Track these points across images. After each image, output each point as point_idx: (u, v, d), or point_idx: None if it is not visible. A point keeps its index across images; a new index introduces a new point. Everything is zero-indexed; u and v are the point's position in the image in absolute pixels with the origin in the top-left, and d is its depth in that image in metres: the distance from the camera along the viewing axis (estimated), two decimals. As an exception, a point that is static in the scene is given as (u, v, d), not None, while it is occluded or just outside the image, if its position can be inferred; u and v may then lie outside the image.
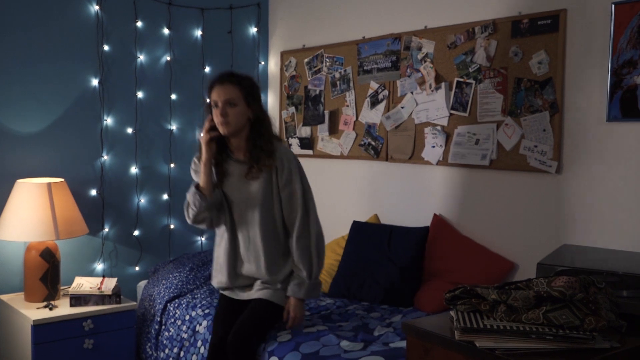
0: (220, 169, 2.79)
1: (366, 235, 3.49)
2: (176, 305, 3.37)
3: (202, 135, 2.74)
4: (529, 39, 2.97)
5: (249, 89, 2.72)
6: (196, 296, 3.41)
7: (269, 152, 2.72)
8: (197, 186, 2.75)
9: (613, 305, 1.85)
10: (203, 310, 3.18)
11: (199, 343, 3.04)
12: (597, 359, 1.69)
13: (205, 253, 3.97)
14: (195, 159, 2.85)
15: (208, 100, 2.76)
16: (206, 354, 2.86)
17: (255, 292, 2.84)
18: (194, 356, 3.05)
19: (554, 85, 2.88)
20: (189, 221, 2.83)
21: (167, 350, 3.26)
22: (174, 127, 4.10)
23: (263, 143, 2.72)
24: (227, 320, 2.81)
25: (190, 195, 2.75)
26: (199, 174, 2.77)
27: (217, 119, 2.67)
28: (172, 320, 3.32)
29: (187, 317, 3.21)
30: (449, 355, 1.82)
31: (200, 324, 3.10)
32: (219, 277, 2.93)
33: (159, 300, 3.49)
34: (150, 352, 3.44)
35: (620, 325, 1.82)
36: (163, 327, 3.38)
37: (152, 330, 3.45)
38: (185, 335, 3.16)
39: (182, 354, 3.14)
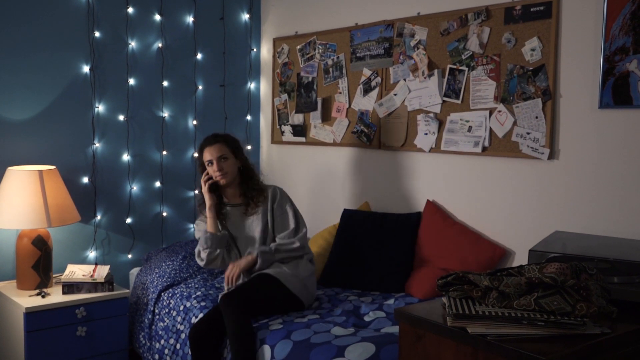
0: (221, 215, 3.23)
1: (357, 223, 3.48)
2: (170, 294, 3.36)
3: (202, 187, 3.18)
4: (522, 25, 2.96)
5: (234, 143, 3.21)
6: (190, 285, 3.40)
7: (261, 190, 3.22)
8: (206, 231, 3.17)
9: (604, 291, 1.86)
10: (199, 302, 3.16)
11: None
12: (587, 345, 1.70)
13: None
14: (198, 220, 3.29)
15: (200, 161, 3.22)
16: None
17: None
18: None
19: (547, 72, 2.87)
20: (202, 264, 3.18)
21: (162, 341, 3.25)
22: (166, 114, 4.08)
23: (254, 184, 3.22)
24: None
25: (201, 240, 3.15)
26: (203, 225, 3.19)
27: (214, 173, 3.14)
28: (167, 310, 3.31)
29: (182, 308, 3.20)
30: (441, 341, 1.83)
31: (197, 317, 3.08)
32: None
33: (152, 289, 3.48)
34: (143, 342, 3.44)
35: (610, 311, 1.83)
36: (157, 317, 3.38)
37: (146, 320, 3.45)
38: (181, 327, 3.14)
39: (178, 345, 3.13)
